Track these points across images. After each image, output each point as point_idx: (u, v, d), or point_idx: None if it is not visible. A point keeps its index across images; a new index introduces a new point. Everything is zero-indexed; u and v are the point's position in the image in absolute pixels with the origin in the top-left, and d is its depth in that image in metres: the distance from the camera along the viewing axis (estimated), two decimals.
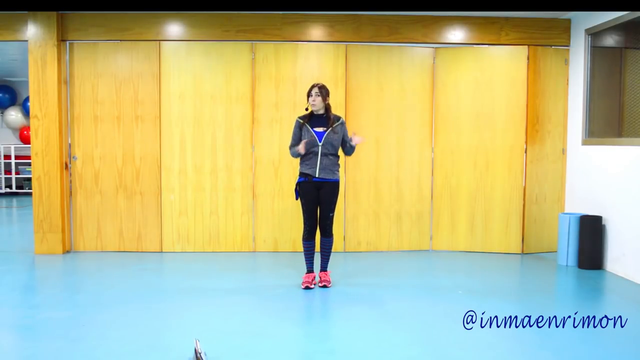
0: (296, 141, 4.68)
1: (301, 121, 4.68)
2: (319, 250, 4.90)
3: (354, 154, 4.93)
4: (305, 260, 4.81)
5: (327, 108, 4.67)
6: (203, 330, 3.69)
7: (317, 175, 4.59)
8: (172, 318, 4.04)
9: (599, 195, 5.67)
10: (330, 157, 4.61)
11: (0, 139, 12.17)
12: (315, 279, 4.83)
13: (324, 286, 4.73)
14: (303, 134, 4.64)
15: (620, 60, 5.82)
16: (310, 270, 4.80)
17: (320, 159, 4.58)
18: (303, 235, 4.74)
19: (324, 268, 4.83)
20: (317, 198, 4.66)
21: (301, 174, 4.66)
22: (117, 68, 6.13)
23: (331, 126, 4.60)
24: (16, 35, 5.99)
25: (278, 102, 6.14)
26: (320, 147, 4.57)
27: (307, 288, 4.68)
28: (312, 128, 4.60)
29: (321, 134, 4.57)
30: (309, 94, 4.64)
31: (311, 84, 4.81)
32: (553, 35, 6.18)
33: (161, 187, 6.19)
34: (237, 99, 6.15)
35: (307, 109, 4.69)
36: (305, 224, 4.70)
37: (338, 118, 4.69)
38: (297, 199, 4.70)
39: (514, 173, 6.20)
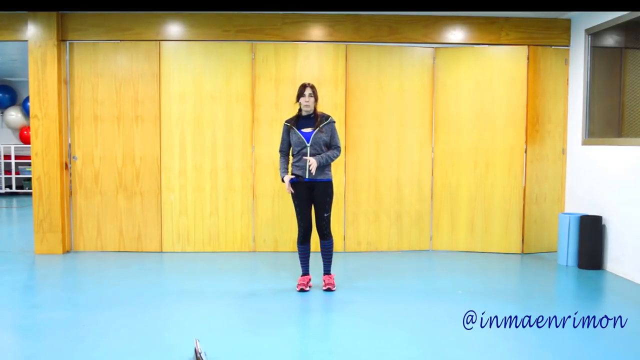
0: (285, 146, 4.68)
1: (288, 124, 4.64)
2: (318, 250, 4.89)
3: (356, 152, 4.81)
4: (301, 264, 4.76)
5: (315, 109, 4.63)
6: (203, 330, 3.69)
7: (307, 176, 4.55)
8: (172, 318, 4.04)
9: (599, 195, 5.67)
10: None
11: (0, 139, 12.18)
12: (311, 281, 4.79)
13: (329, 289, 4.67)
14: (291, 136, 4.60)
15: (620, 60, 5.82)
16: (305, 272, 4.76)
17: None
18: (298, 239, 4.69)
19: (327, 271, 4.77)
20: (310, 198, 4.63)
21: (292, 176, 4.63)
22: (117, 68, 6.13)
23: (318, 126, 4.55)
24: (16, 35, 5.99)
25: (278, 102, 6.14)
26: (308, 148, 4.53)
27: (302, 290, 4.65)
28: (299, 129, 4.57)
29: (308, 135, 4.53)
30: (300, 95, 4.57)
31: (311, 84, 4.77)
32: (553, 35, 6.18)
33: (161, 187, 6.19)
34: (237, 99, 6.15)
35: (300, 109, 4.65)
36: (299, 226, 4.66)
37: (326, 117, 4.63)
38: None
39: (514, 173, 6.20)
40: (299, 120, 4.62)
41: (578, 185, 6.07)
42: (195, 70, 6.14)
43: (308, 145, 4.53)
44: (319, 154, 4.55)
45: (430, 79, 6.27)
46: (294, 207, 4.67)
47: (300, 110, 4.65)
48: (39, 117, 5.96)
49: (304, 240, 4.68)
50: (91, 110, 6.15)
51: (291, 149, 4.67)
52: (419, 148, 6.30)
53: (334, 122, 4.68)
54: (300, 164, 4.57)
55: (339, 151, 4.65)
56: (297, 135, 4.56)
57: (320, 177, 4.57)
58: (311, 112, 4.61)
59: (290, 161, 4.73)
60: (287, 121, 4.69)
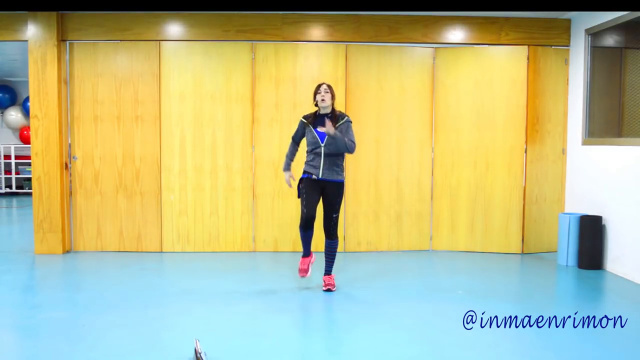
0: (297, 137, 4.72)
1: (305, 121, 4.63)
2: (320, 250, 4.89)
3: (356, 152, 4.80)
4: (303, 245, 4.65)
5: (333, 108, 4.62)
6: (203, 330, 3.69)
7: (320, 176, 4.52)
8: (172, 318, 4.04)
9: (599, 195, 5.67)
10: (334, 157, 4.53)
11: (0, 139, 12.18)
12: (313, 258, 4.73)
13: (329, 290, 4.66)
14: (306, 134, 4.61)
15: (620, 60, 5.82)
16: (306, 254, 4.65)
17: (324, 159, 4.51)
18: (300, 224, 4.55)
19: (328, 272, 4.75)
20: (320, 194, 4.58)
21: (304, 172, 4.61)
22: (117, 68, 6.13)
23: (334, 126, 4.51)
24: (16, 35, 5.99)
25: (278, 102, 6.14)
26: (322, 148, 4.51)
27: (303, 277, 4.67)
28: (315, 129, 4.54)
29: (323, 135, 4.50)
30: (317, 92, 4.56)
31: (311, 84, 4.77)
32: (553, 35, 6.18)
33: (161, 187, 6.19)
34: (237, 99, 6.15)
35: (316, 105, 4.61)
36: (302, 212, 4.50)
37: (343, 116, 4.59)
38: (299, 197, 4.63)
39: (514, 173, 6.20)
40: (316, 120, 4.59)
41: (578, 185, 6.07)
42: (195, 70, 6.14)
43: (322, 145, 4.51)
44: (334, 155, 4.52)
45: (430, 79, 6.27)
46: (302, 200, 4.55)
47: (318, 109, 4.63)
48: (39, 117, 5.96)
49: (305, 227, 4.54)
50: (91, 110, 6.15)
51: (305, 145, 4.66)
52: (419, 148, 6.30)
53: (351, 121, 4.63)
54: (314, 163, 4.55)
55: (354, 144, 4.57)
56: (312, 134, 4.55)
57: (332, 178, 4.54)
58: (328, 110, 4.58)
59: (299, 159, 4.72)
60: (304, 117, 4.67)
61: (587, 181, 5.89)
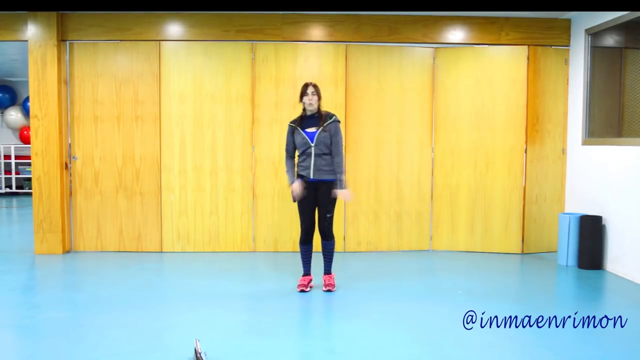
0: (290, 148, 4.66)
1: (293, 125, 4.63)
2: (319, 250, 4.90)
3: (356, 152, 4.78)
4: (302, 263, 4.73)
5: (319, 108, 4.61)
6: (203, 331, 3.69)
7: (312, 177, 4.53)
8: (172, 318, 4.04)
9: (599, 195, 5.67)
10: (325, 157, 4.53)
11: (0, 139, 12.18)
12: (312, 281, 4.76)
13: (329, 290, 4.66)
14: (295, 137, 4.60)
15: (620, 60, 5.82)
16: (306, 273, 4.73)
17: (314, 159, 4.51)
18: (300, 239, 4.68)
19: (327, 271, 4.76)
20: (315, 199, 4.61)
21: (297, 176, 4.62)
22: (117, 68, 6.13)
23: (322, 125, 4.53)
24: (16, 35, 5.99)
25: (278, 102, 6.14)
26: (313, 148, 4.51)
27: (302, 291, 4.64)
28: (303, 129, 4.55)
29: (312, 135, 4.51)
30: (303, 94, 4.55)
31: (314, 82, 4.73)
32: (553, 35, 6.18)
33: (161, 187, 6.19)
34: (237, 99, 6.15)
35: (304, 109, 4.62)
36: (301, 226, 4.64)
37: (331, 116, 4.59)
38: (294, 201, 4.65)
39: (514, 173, 6.20)
40: (303, 121, 4.60)
41: (578, 185, 6.07)
42: (195, 70, 6.14)
43: (312, 145, 4.51)
44: (324, 154, 4.52)
45: (430, 79, 6.27)
46: (298, 207, 4.64)
47: (304, 110, 4.63)
48: (39, 117, 5.96)
49: (305, 240, 4.66)
50: (91, 110, 6.15)
51: (296, 150, 4.66)
52: (419, 148, 6.30)
53: (339, 121, 4.62)
54: (305, 164, 4.56)
55: (341, 157, 4.57)
56: (301, 135, 4.55)
57: (325, 177, 4.55)
58: (315, 111, 4.58)
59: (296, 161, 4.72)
60: (291, 122, 4.67)
61: (587, 181, 5.89)
